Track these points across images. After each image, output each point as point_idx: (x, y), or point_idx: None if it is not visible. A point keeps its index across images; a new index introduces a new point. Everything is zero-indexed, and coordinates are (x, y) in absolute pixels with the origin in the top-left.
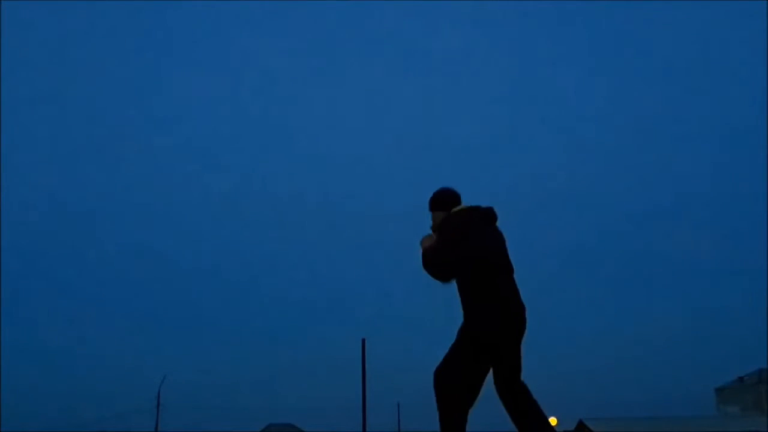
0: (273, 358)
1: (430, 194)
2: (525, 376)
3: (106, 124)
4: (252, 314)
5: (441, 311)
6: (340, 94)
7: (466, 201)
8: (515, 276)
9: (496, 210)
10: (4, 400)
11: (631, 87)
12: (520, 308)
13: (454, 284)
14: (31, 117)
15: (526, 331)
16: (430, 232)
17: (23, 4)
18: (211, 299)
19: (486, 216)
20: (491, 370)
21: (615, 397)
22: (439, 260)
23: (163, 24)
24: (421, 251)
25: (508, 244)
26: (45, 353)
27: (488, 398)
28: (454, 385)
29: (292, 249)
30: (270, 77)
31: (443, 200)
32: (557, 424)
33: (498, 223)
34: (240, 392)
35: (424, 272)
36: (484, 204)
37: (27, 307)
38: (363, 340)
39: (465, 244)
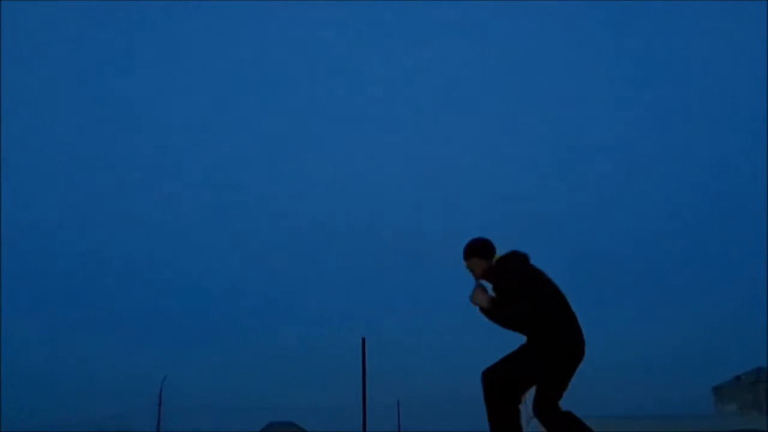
0: (273, 358)
1: (465, 243)
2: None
3: (108, 132)
4: (252, 314)
5: (440, 311)
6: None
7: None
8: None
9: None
10: (4, 400)
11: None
12: (582, 340)
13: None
14: (29, 121)
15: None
16: (474, 282)
17: (23, 4)
18: (211, 299)
19: (527, 259)
20: (534, 390)
21: (613, 397)
22: (518, 313)
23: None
24: (482, 307)
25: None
26: (45, 353)
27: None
28: (498, 386)
29: (291, 250)
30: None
31: (483, 249)
32: None
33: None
34: (240, 392)
35: (492, 323)
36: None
37: (27, 307)
38: (363, 340)
39: (534, 290)
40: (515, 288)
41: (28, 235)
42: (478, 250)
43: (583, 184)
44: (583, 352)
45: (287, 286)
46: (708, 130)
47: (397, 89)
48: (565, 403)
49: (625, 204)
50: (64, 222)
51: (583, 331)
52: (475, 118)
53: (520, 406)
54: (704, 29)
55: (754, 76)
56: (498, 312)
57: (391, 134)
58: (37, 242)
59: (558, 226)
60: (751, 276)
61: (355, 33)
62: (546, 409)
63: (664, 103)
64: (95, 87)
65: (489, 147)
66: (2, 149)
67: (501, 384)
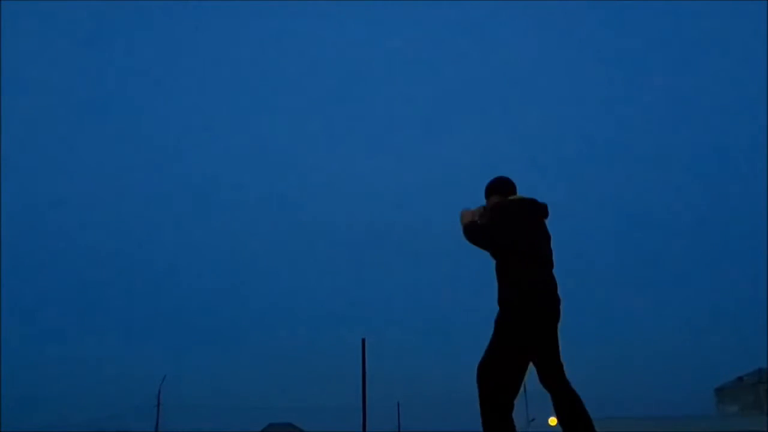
0: (273, 359)
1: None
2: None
3: (110, 131)
4: (252, 314)
5: (440, 312)
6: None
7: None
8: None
9: (548, 208)
10: (4, 400)
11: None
12: (554, 299)
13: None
14: (29, 121)
15: (560, 322)
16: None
17: (23, 4)
18: (212, 300)
19: (538, 210)
20: (533, 364)
21: (614, 397)
22: (481, 235)
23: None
24: (463, 222)
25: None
26: (45, 354)
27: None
28: (495, 380)
29: (291, 250)
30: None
31: (501, 187)
32: (557, 424)
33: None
34: (240, 392)
35: (465, 240)
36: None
37: (27, 308)
38: (363, 340)
39: (511, 228)
40: (495, 220)
41: (28, 234)
42: (496, 187)
43: (582, 183)
44: (558, 312)
45: (287, 286)
46: (708, 130)
47: (397, 89)
48: None
49: (625, 204)
50: (64, 222)
51: (560, 299)
52: (475, 118)
53: (515, 402)
54: (704, 29)
55: (754, 75)
56: (471, 224)
57: (391, 134)
58: (37, 242)
59: (558, 226)
60: (751, 276)
61: (356, 34)
62: (550, 382)
63: (664, 103)
64: (95, 87)
65: (489, 147)
66: (2, 149)
67: (494, 385)
